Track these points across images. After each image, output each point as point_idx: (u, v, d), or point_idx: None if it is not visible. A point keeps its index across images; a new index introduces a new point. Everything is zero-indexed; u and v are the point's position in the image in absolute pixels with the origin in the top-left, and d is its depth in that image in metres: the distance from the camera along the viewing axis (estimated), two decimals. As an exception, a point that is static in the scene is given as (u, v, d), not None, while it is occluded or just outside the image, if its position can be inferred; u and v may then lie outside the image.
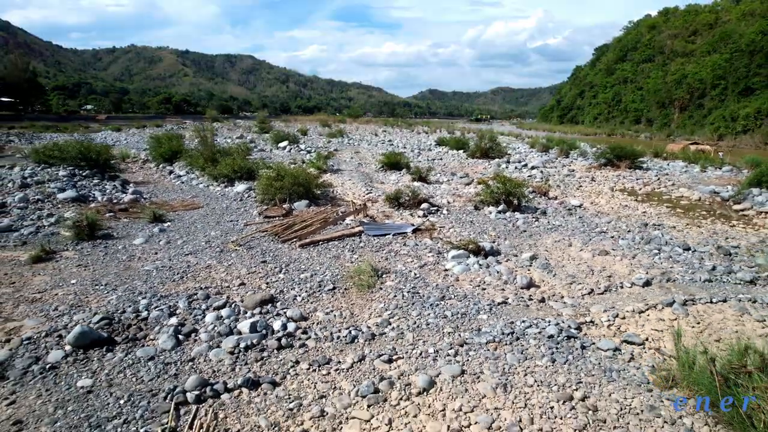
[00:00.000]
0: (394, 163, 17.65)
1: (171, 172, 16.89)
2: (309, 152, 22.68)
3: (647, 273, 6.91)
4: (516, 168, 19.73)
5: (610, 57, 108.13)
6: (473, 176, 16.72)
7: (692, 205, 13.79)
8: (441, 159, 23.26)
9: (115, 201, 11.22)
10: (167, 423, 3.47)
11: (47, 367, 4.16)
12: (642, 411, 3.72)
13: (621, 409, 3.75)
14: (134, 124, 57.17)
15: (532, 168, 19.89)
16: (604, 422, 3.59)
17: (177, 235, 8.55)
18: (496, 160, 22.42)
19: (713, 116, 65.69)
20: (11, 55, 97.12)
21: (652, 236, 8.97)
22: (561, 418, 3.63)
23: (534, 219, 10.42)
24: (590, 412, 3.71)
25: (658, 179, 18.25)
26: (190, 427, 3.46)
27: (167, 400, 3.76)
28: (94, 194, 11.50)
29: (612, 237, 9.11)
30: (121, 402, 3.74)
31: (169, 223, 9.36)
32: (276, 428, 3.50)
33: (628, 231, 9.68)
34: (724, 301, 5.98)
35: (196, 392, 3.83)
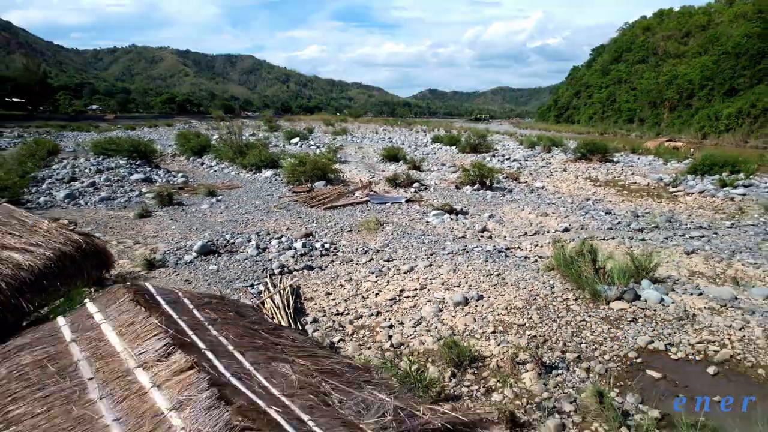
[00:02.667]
0: (393, 155, 20.60)
1: (202, 163, 19.80)
2: (318, 147, 25.63)
3: (569, 225, 9.86)
4: (499, 161, 22.64)
5: (606, 58, 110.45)
6: (460, 167, 19.65)
7: (639, 188, 16.70)
8: (435, 154, 26.18)
9: (171, 182, 14.17)
10: (267, 281, 6.43)
11: (187, 261, 7.12)
12: (528, 279, 6.68)
13: (518, 279, 6.71)
14: (146, 123, 59.87)
15: (513, 161, 22.81)
16: (506, 282, 6.55)
17: (231, 203, 11.52)
18: (483, 154, 25.32)
19: (699, 116, 68.48)
20: (23, 57, 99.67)
21: (584, 205, 11.94)
22: (483, 282, 6.58)
23: (501, 195, 13.39)
24: (500, 279, 6.67)
25: (622, 170, 21.15)
26: (280, 282, 6.41)
27: (263, 273, 6.73)
28: (154, 177, 14.47)
29: (556, 205, 12.08)
30: (237, 274, 6.71)
31: (220, 197, 12.32)
32: (325, 284, 6.46)
33: (571, 202, 12.64)
34: (613, 239, 8.94)
35: (278, 270, 6.80)
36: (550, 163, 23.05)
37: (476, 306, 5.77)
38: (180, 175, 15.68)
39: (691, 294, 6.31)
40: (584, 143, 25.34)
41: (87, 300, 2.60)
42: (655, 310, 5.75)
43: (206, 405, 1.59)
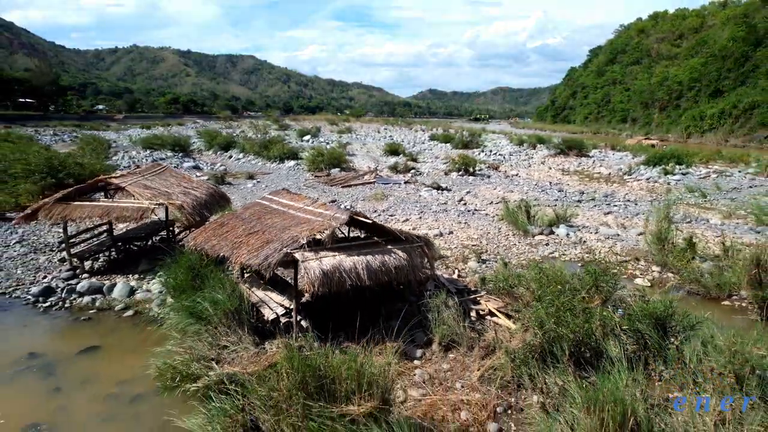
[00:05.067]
0: (394, 150, 23.94)
1: (230, 157, 23.09)
2: (328, 143, 28.95)
3: (526, 197, 13.17)
4: (486, 155, 25.96)
5: (602, 59, 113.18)
6: (450, 159, 22.97)
7: (600, 176, 19.98)
8: (431, 150, 29.49)
9: (214, 170, 17.48)
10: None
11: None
12: (485, 225, 10.00)
13: (478, 225, 10.03)
14: (159, 123, 62.90)
15: (499, 155, 26.14)
16: (470, 226, 9.88)
17: (268, 183, 14.85)
18: (474, 150, 28.63)
19: (685, 116, 71.63)
20: (36, 60, 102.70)
21: (544, 186, 15.25)
22: (454, 226, 9.90)
23: (481, 179, 16.71)
24: (466, 224, 10.00)
25: (593, 163, 24.42)
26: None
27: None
28: (201, 165, 17.80)
29: (521, 186, 15.40)
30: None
31: (258, 180, 15.64)
32: (350, 227, 9.78)
33: (536, 185, 15.96)
34: (555, 206, 12.25)
35: (318, 219, 10.15)
36: (531, 158, 26.33)
37: (448, 236, 9.10)
38: (218, 164, 19.01)
39: (590, 233, 9.64)
40: (563, 141, 28.68)
41: (271, 192, 5.95)
42: (561, 239, 9.08)
43: (337, 209, 4.91)
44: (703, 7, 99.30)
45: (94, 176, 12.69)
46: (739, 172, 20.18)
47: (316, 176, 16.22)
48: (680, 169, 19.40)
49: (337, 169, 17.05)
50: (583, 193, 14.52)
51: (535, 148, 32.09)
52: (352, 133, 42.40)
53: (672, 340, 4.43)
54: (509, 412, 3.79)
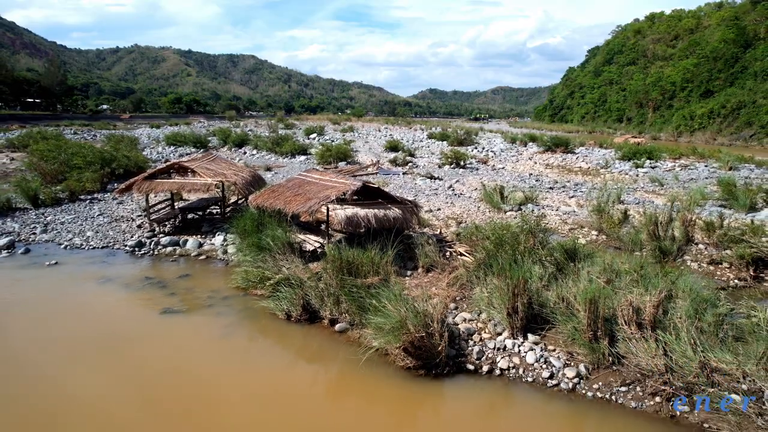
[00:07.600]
0: (393, 146, 26.23)
1: (245, 153, 25.36)
2: (333, 141, 31.21)
3: (505, 185, 15.44)
4: (479, 151, 28.22)
5: (599, 59, 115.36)
6: (444, 154, 25.22)
7: (580, 169, 22.24)
8: (428, 147, 31.75)
9: (234, 163, 19.73)
10: (326, 204, 12.04)
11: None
12: (467, 204, 12.28)
13: (461, 204, 12.31)
14: (166, 123, 65.13)
15: (491, 151, 28.40)
16: (455, 205, 12.16)
17: (284, 174, 17.11)
18: (468, 146, 30.89)
19: (676, 115, 73.84)
20: (47, 61, 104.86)
21: (524, 176, 17.52)
22: (442, 204, 12.19)
23: (470, 171, 18.98)
24: (452, 203, 12.28)
25: (577, 158, 26.65)
26: (333, 205, 12.02)
27: (323, 201, 12.37)
28: (222, 159, 20.09)
29: (504, 176, 17.66)
30: (309, 201, 12.33)
31: (275, 171, 17.91)
32: (358, 206, 12.07)
33: (517, 176, 18.22)
34: (529, 191, 14.53)
35: (331, 200, 12.44)
36: (521, 154, 28.61)
37: (436, 212, 11.38)
38: (236, 159, 21.29)
39: (552, 210, 11.90)
40: (551, 139, 30.94)
41: (303, 170, 8.23)
42: (527, 214, 11.35)
43: (354, 179, 7.17)
44: (699, 8, 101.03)
45: (139, 167, 15.05)
46: (705, 166, 22.42)
47: (325, 168, 18.49)
48: (650, 163, 21.67)
49: (344, 163, 19.32)
50: (556, 182, 16.79)
51: (525, 146, 34.36)
52: (354, 131, 44.68)
53: (576, 264, 6.69)
54: (463, 299, 6.07)
